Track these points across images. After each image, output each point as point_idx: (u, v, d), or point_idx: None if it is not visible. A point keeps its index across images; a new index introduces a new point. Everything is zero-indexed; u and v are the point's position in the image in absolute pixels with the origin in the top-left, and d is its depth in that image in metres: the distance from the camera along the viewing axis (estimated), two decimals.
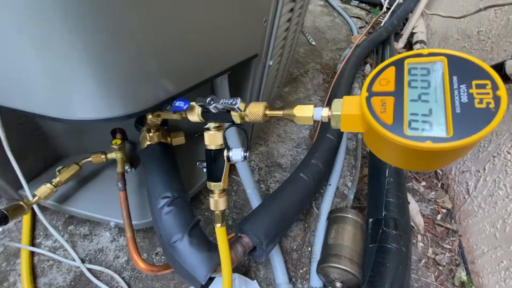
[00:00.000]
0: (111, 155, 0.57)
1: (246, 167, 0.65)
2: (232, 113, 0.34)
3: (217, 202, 0.40)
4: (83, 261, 0.56)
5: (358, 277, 0.52)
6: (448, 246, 0.80)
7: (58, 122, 0.34)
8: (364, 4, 2.13)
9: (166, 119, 0.60)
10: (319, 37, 1.64)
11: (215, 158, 0.38)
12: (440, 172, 0.99)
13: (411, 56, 0.26)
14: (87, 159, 0.56)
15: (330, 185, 0.78)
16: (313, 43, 1.55)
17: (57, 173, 0.52)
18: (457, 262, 0.77)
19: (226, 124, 0.37)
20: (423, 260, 0.76)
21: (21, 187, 0.54)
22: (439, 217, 0.87)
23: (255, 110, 0.33)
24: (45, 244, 0.58)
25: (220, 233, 0.40)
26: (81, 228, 0.62)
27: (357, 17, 1.97)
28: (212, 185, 0.39)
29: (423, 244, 0.80)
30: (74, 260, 0.56)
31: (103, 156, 0.57)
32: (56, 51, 0.27)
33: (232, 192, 0.76)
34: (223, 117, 0.35)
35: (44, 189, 0.50)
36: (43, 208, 0.59)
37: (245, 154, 0.38)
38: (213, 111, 0.35)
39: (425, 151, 0.22)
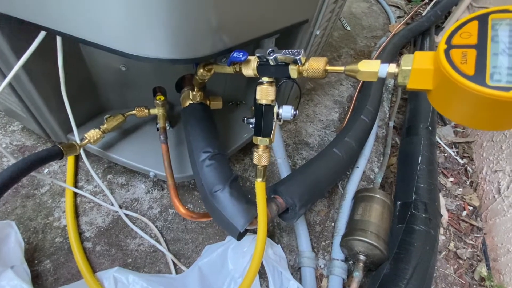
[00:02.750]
0: (153, 111, 0.59)
1: (280, 137, 0.66)
2: (290, 66, 0.35)
3: (261, 156, 0.41)
4: (120, 207, 0.60)
5: (383, 252, 0.53)
6: (471, 242, 0.79)
7: (128, 58, 0.35)
8: None
9: (205, 84, 0.61)
10: (354, 23, 1.59)
11: (265, 113, 0.39)
12: (470, 170, 0.97)
13: (496, 11, 0.25)
14: (131, 112, 0.59)
15: (357, 167, 0.78)
16: (348, 28, 1.50)
17: (105, 121, 0.55)
18: (478, 258, 0.76)
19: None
20: (443, 253, 0.76)
21: (70, 131, 0.58)
22: (464, 213, 0.85)
23: (315, 65, 0.33)
24: (86, 188, 0.62)
25: (260, 188, 0.42)
26: (118, 178, 0.65)
27: (395, 6, 1.88)
28: (258, 139, 0.40)
29: (445, 237, 0.79)
30: (112, 204, 0.59)
31: (146, 111, 0.59)
32: None
33: None
34: (279, 71, 0.36)
35: (93, 133, 0.53)
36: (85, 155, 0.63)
37: (294, 112, 0.39)
38: (272, 63, 0.35)
39: (505, 102, 0.21)
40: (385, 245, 0.54)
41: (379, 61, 0.30)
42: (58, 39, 0.42)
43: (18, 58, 0.41)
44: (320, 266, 0.60)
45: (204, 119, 0.54)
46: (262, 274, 0.55)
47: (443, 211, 0.84)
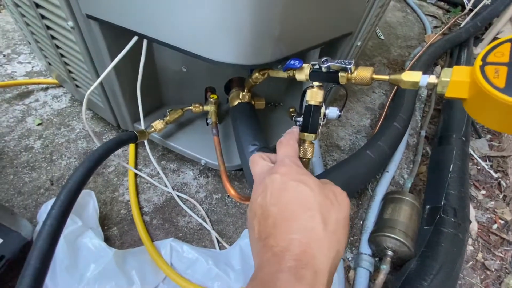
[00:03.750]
0: (206, 107, 0.68)
1: None
2: (340, 74, 0.41)
3: (306, 150, 0.47)
4: (172, 189, 0.69)
5: (411, 249, 0.57)
6: (500, 255, 0.79)
7: (201, 61, 0.43)
8: (443, 3, 2.00)
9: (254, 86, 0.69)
10: (388, 32, 1.60)
11: (313, 112, 0.45)
12: (504, 184, 0.96)
13: None
14: (188, 107, 0.67)
15: (387, 172, 0.81)
16: (382, 37, 1.53)
17: (167, 113, 0.64)
18: (507, 270, 0.76)
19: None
20: (471, 262, 0.77)
21: (136, 120, 0.68)
22: (495, 226, 0.85)
23: (363, 74, 0.39)
24: (144, 170, 0.72)
25: None
26: (171, 164, 0.75)
27: (432, 16, 1.87)
28: (305, 135, 0.47)
29: (473, 248, 0.80)
30: (166, 186, 0.68)
31: (201, 107, 0.68)
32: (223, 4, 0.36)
33: None
34: (330, 77, 0.42)
35: (158, 123, 0.62)
36: (142, 144, 0.73)
37: (339, 113, 0.45)
38: (324, 70, 0.41)
39: None
40: (412, 243, 0.58)
41: (420, 72, 0.35)
42: (144, 44, 0.51)
43: (112, 58, 0.52)
44: (348, 259, 0.65)
45: (251, 117, 0.62)
46: None
47: (473, 222, 0.84)
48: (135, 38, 0.48)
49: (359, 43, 0.63)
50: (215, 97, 0.67)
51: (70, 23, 0.48)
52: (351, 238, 0.69)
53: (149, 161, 0.74)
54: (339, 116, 0.45)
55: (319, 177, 0.60)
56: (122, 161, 0.73)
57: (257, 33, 0.40)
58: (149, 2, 0.39)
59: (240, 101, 0.65)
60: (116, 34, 0.51)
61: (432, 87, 0.35)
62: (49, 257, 0.35)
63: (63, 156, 0.72)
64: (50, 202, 0.54)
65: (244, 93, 0.64)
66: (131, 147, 0.74)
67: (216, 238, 0.62)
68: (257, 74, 0.53)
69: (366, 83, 0.40)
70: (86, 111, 0.82)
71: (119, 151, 0.75)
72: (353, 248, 0.67)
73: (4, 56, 0.96)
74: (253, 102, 0.69)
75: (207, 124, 0.72)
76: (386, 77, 0.38)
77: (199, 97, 0.73)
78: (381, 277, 0.56)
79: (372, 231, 0.64)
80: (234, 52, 0.41)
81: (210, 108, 0.68)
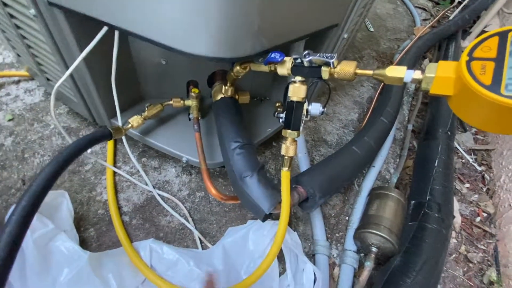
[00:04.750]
0: (188, 102, 0.65)
1: (301, 133, 0.70)
2: (323, 68, 0.39)
3: (288, 148, 0.46)
4: (153, 187, 0.66)
5: (395, 246, 0.56)
6: (483, 247, 0.81)
7: (182, 55, 0.40)
8: None
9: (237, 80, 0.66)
10: (378, 24, 1.58)
11: (296, 109, 0.43)
12: (488, 178, 0.97)
13: None
14: (168, 102, 0.64)
15: (373, 167, 0.81)
16: (372, 29, 1.51)
17: (146, 108, 0.61)
18: (489, 263, 0.77)
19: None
20: (454, 255, 0.78)
21: (113, 116, 0.64)
22: (478, 219, 0.87)
23: (346, 68, 0.37)
24: (123, 168, 0.69)
25: (285, 176, 0.46)
26: (152, 161, 0.72)
27: (422, 8, 1.86)
28: (288, 132, 0.45)
29: (456, 241, 0.81)
30: (147, 184, 0.66)
31: (181, 102, 0.65)
32: None
33: (279, 157, 0.82)
34: (312, 72, 0.40)
35: (136, 119, 0.59)
36: (122, 140, 0.69)
37: (322, 109, 0.43)
38: (306, 64, 0.39)
39: None
40: (397, 239, 0.58)
41: (405, 67, 0.33)
42: (116, 35, 0.48)
43: (81, 50, 0.48)
44: (333, 255, 0.65)
45: (234, 112, 0.59)
46: (279, 257, 0.60)
47: (457, 215, 0.85)
48: (104, 29, 0.44)
49: (345, 35, 0.61)
50: (197, 91, 0.64)
51: (32, 11, 0.44)
52: (337, 235, 0.68)
53: (128, 158, 0.70)
54: (322, 112, 0.43)
55: (304, 173, 0.58)
56: (100, 158, 0.70)
57: (234, 24, 0.37)
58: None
59: (223, 96, 0.62)
60: (84, 24, 0.47)
61: (417, 82, 0.33)
62: (8, 266, 0.32)
63: (36, 154, 0.68)
64: None
65: (227, 87, 0.61)
66: (109, 143, 0.71)
67: (199, 238, 0.60)
68: (238, 67, 0.51)
69: (349, 78, 0.38)
70: (61, 106, 0.78)
71: (97, 147, 0.72)
72: (339, 245, 0.66)
73: None
74: (237, 97, 0.67)
75: (189, 119, 0.69)
76: (370, 72, 0.36)
77: (181, 90, 0.70)
78: (365, 274, 0.56)
79: (357, 227, 0.64)
80: (210, 44, 0.38)
81: (191, 102, 0.65)
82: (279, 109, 0.77)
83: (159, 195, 0.65)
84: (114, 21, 0.42)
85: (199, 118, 0.70)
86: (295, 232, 0.62)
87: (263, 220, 0.48)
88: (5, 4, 0.50)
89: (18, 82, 0.82)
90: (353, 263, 0.60)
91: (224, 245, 0.57)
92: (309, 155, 0.84)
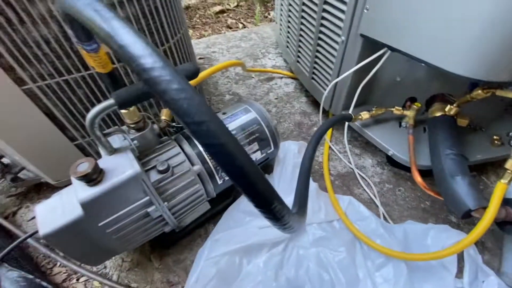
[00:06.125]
0: (407, 112, 0.82)
1: None
2: None
3: None
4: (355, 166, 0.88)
5: None
6: None
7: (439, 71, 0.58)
8: None
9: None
10: None
11: None
12: None
13: None
14: (391, 109, 0.84)
15: None
16: None
17: (373, 109, 0.84)
18: None
19: None
20: None
21: (345, 109, 0.92)
22: None
23: None
24: (334, 147, 0.96)
25: (500, 188, 0.53)
26: (355, 149, 0.95)
27: None
28: None
29: None
30: (350, 163, 0.89)
31: (401, 111, 0.82)
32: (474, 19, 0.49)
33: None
34: None
35: (365, 114, 0.83)
36: (343, 128, 0.96)
37: None
38: None
39: None
40: None
41: None
42: (386, 55, 0.72)
43: (355, 64, 0.76)
44: None
45: (453, 127, 0.70)
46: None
47: None
48: (388, 52, 0.69)
49: None
50: (419, 105, 0.80)
51: (343, 38, 0.76)
52: None
53: (339, 140, 0.97)
54: None
55: None
56: None
57: (504, 53, 0.49)
58: (423, 26, 0.57)
59: (443, 113, 0.74)
60: (371, 47, 0.74)
61: None
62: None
63: (286, 121, 1.07)
64: None
65: (452, 107, 0.73)
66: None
67: (383, 214, 0.75)
68: (480, 91, 0.61)
69: None
70: (303, 97, 1.17)
71: None
72: None
73: (261, 53, 1.49)
74: (455, 118, 0.76)
75: (400, 126, 0.86)
76: None
77: (397, 102, 0.88)
78: None
79: None
80: (473, 66, 0.53)
81: (410, 113, 0.81)
82: (496, 142, 0.79)
83: (358, 173, 0.86)
84: (402, 46, 0.64)
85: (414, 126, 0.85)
86: (480, 255, 0.65)
87: (463, 217, 0.57)
88: (320, 32, 0.87)
89: (281, 78, 1.30)
90: None
91: (405, 228, 0.70)
92: None
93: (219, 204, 0.76)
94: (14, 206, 0.83)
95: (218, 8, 2.23)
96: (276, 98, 1.19)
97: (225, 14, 2.19)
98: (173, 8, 0.68)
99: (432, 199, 0.79)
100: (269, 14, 2.20)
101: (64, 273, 0.68)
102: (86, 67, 0.61)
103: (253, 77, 1.32)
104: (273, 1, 2.32)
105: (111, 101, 0.46)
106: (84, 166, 0.46)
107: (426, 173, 0.72)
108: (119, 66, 0.65)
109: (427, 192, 0.66)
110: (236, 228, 0.69)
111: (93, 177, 0.46)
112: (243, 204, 0.75)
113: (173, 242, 0.71)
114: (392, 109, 0.84)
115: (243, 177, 0.23)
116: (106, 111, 0.46)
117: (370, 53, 0.73)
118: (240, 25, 2.02)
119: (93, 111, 0.46)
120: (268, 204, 0.24)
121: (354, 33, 0.73)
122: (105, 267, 0.68)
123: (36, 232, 0.64)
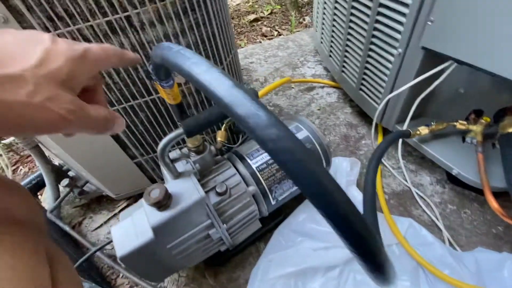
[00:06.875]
0: (472, 127, 0.75)
1: None
2: None
3: None
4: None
5: None
6: None
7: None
8: None
9: None
10: None
11: None
12: None
13: None
14: (453, 123, 0.77)
15: None
16: None
17: (432, 123, 0.78)
18: None
19: None
20: None
21: (399, 122, 0.86)
22: None
23: None
24: (387, 162, 0.91)
25: None
26: (409, 165, 0.89)
27: None
28: None
29: None
30: (405, 180, 0.84)
31: (466, 125, 0.75)
32: None
33: None
34: None
35: (424, 129, 0.77)
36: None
37: None
38: None
39: None
40: None
41: None
42: (451, 67, 0.66)
43: (415, 77, 0.71)
44: None
45: None
46: None
47: None
48: (454, 65, 0.64)
49: None
50: (488, 120, 0.72)
51: (399, 50, 0.72)
52: None
53: (391, 155, 0.92)
54: None
55: None
56: (371, 151, 0.96)
57: None
58: (501, 40, 0.52)
59: None
60: (431, 60, 0.69)
61: None
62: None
63: (331, 134, 1.04)
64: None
65: None
66: (380, 139, 0.95)
67: (448, 239, 0.69)
68: None
69: None
70: (347, 108, 1.13)
71: (368, 142, 0.99)
72: None
73: (300, 62, 1.47)
74: None
75: (463, 141, 0.79)
76: None
77: (459, 115, 0.80)
78: None
79: None
80: None
81: (477, 128, 0.74)
82: None
83: (414, 192, 0.81)
84: (474, 60, 0.59)
85: (471, 142, 0.78)
86: None
87: None
88: (372, 43, 0.83)
89: (323, 87, 1.27)
90: None
91: (477, 257, 0.63)
92: None
93: (270, 222, 0.76)
94: (80, 216, 0.90)
95: (252, 16, 2.26)
96: (318, 109, 1.16)
97: (259, 22, 2.21)
98: (227, 32, 0.70)
99: (505, 224, 0.71)
100: (303, 19, 2.17)
101: (126, 284, 0.72)
102: (149, 93, 0.64)
103: (293, 87, 1.30)
104: (307, 6, 2.28)
105: (180, 130, 0.48)
106: (156, 193, 0.48)
107: (496, 195, 0.65)
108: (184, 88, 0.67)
109: (506, 220, 0.59)
110: (289, 249, 0.68)
111: (163, 203, 0.48)
112: (295, 223, 0.73)
113: (226, 260, 0.72)
114: (455, 123, 0.77)
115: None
116: (176, 140, 0.48)
117: (431, 65, 0.68)
118: (275, 33, 2.02)
119: (165, 140, 0.48)
120: (377, 261, 0.23)
121: (414, 45, 0.68)
122: (163, 281, 0.71)
123: (104, 246, 0.69)
